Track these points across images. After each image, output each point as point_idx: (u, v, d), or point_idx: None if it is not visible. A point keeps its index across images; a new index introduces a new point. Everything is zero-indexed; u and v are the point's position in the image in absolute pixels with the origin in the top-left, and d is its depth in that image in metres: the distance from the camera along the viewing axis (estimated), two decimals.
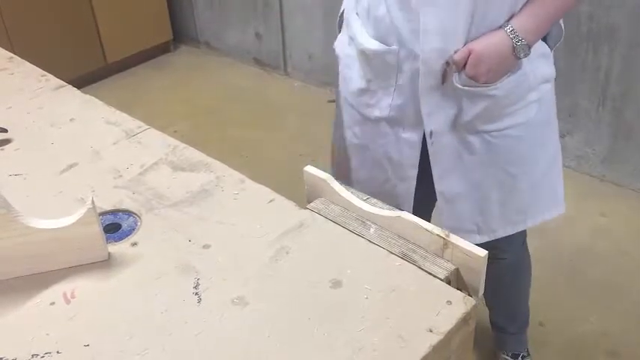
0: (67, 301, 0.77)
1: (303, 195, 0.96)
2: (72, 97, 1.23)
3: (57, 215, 0.81)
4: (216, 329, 0.72)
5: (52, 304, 0.77)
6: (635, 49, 2.11)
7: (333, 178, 0.93)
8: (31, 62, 1.38)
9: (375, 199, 0.92)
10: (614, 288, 1.97)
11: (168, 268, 0.82)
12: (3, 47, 1.46)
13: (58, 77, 1.32)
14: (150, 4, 3.42)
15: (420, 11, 1.07)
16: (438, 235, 0.81)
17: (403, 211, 0.86)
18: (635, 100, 2.19)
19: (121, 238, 0.88)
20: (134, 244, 0.86)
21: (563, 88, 2.33)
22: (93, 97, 1.22)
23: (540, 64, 1.17)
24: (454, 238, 0.80)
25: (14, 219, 0.77)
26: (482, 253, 0.77)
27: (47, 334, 0.73)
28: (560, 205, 1.37)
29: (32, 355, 0.70)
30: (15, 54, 1.42)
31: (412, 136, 1.22)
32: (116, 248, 0.85)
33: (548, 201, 1.35)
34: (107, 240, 0.85)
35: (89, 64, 3.22)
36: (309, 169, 0.95)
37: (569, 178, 2.44)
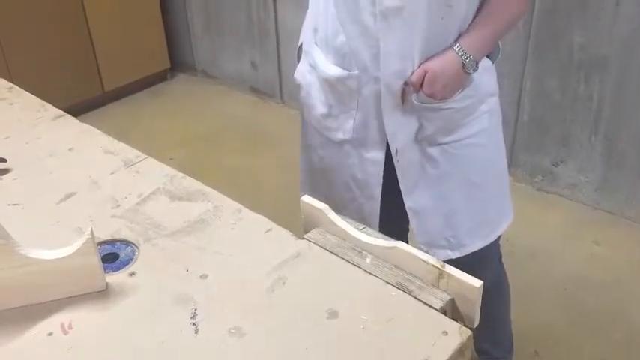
0: (65, 332, 0.77)
1: (300, 221, 0.97)
2: (70, 126, 1.24)
3: (55, 245, 0.81)
4: (213, 359, 0.73)
5: (50, 334, 0.77)
6: (626, 79, 2.14)
7: (329, 209, 0.94)
8: (29, 89, 1.40)
9: (372, 229, 0.93)
10: (609, 316, 1.97)
11: (166, 298, 0.82)
12: (1, 73, 1.48)
13: (56, 105, 1.33)
14: (148, 33, 3.46)
15: (380, 37, 1.15)
16: (433, 265, 0.82)
17: (399, 242, 0.87)
18: (626, 130, 2.22)
19: (118, 268, 0.88)
20: (132, 273, 0.87)
21: (556, 117, 2.37)
22: (92, 127, 1.23)
23: (486, 78, 1.27)
24: (449, 269, 0.81)
25: (14, 250, 0.77)
26: (478, 283, 0.78)
27: None
28: (511, 213, 1.44)
29: None
30: (13, 81, 1.43)
31: (375, 156, 1.30)
32: (114, 278, 0.86)
33: (506, 210, 1.42)
34: (105, 270, 0.86)
35: (87, 92, 3.24)
36: (306, 199, 0.96)
37: (563, 206, 2.47)
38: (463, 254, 1.35)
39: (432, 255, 1.34)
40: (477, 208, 1.34)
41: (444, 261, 1.34)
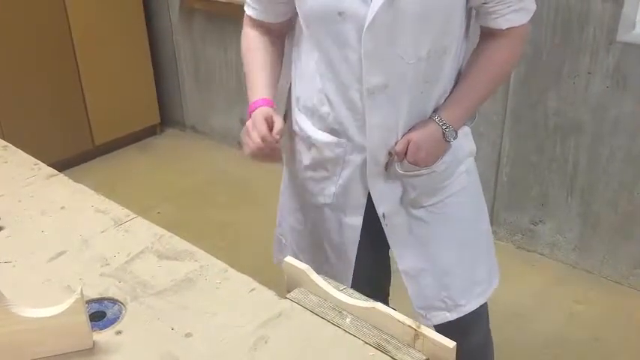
0: None
1: (283, 276, 1.00)
2: (63, 185, 1.28)
3: (45, 302, 0.84)
4: None
5: None
6: (599, 142, 2.23)
7: (311, 269, 0.98)
8: (22, 144, 1.45)
9: (352, 290, 0.97)
10: None
11: (151, 356, 0.85)
12: None
13: (47, 158, 1.37)
14: (139, 89, 3.54)
15: (365, 112, 1.21)
16: (409, 326, 0.86)
17: (378, 302, 0.91)
18: (601, 191, 2.29)
19: (105, 327, 0.91)
20: (118, 332, 0.89)
21: (534, 178, 2.44)
22: (83, 186, 1.27)
23: (464, 141, 1.33)
24: (424, 329, 0.84)
25: (6, 309, 0.80)
26: (451, 344, 0.82)
27: None
28: (498, 272, 1.48)
29: None
30: (5, 135, 1.48)
31: (354, 220, 1.34)
32: (100, 336, 0.88)
33: (495, 268, 1.46)
34: (92, 328, 0.88)
35: (77, 146, 3.29)
36: (289, 259, 0.99)
37: (543, 265, 2.52)
38: (461, 315, 1.37)
39: (431, 320, 1.38)
40: (467, 267, 1.37)
41: (442, 324, 1.38)
